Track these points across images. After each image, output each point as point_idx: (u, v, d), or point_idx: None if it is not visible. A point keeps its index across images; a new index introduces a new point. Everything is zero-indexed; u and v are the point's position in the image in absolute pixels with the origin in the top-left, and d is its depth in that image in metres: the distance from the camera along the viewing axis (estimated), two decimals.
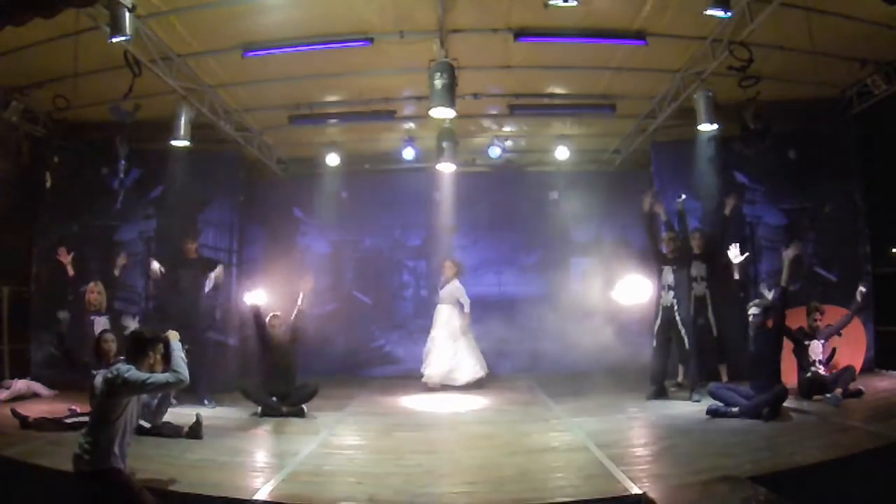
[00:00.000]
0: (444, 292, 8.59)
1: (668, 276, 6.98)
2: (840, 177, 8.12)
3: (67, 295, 6.52)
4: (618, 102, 7.99)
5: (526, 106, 8.18)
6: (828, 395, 6.14)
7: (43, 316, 7.68)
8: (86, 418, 5.43)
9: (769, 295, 6.65)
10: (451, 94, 6.12)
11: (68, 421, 5.47)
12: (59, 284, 6.64)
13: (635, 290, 7.75)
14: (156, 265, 7.04)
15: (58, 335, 5.86)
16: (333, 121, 8.62)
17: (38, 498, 4.15)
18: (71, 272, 6.61)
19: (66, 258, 6.58)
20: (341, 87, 7.80)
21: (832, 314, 6.80)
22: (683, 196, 7.15)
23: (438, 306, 8.59)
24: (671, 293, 6.90)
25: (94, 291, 6.53)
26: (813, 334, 6.56)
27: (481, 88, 7.66)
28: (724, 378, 6.86)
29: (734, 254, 6.46)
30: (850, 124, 8.03)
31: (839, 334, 6.76)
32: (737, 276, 6.44)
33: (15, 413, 5.46)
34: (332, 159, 9.47)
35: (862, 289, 6.74)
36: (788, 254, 6.20)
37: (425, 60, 6.25)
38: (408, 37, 6.28)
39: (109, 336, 5.69)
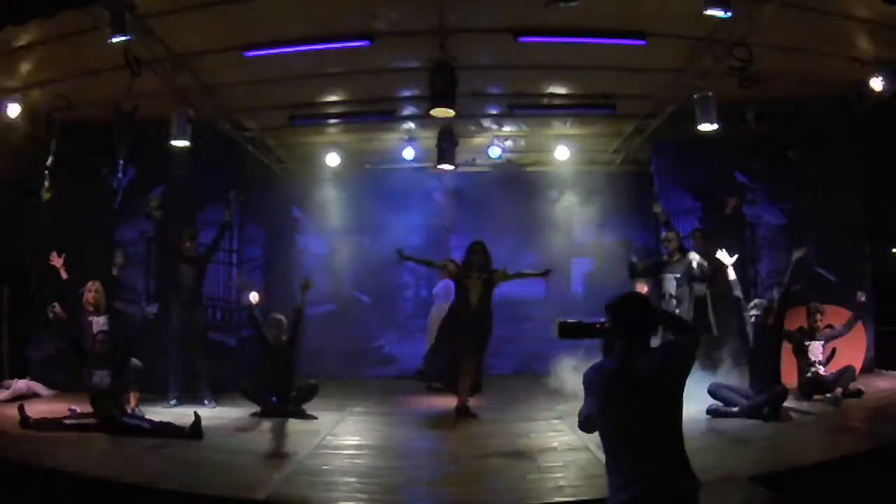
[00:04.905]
0: (438, 290, 8.62)
1: (670, 284, 6.94)
2: (840, 177, 8.11)
3: (67, 295, 6.51)
4: (618, 102, 7.97)
5: (526, 106, 8.18)
6: (828, 395, 6.14)
7: (43, 316, 7.66)
8: (86, 419, 5.47)
9: (776, 294, 6.64)
10: (451, 94, 6.12)
11: (68, 422, 5.47)
12: (59, 285, 6.63)
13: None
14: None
15: (62, 329, 5.83)
16: (333, 121, 8.62)
17: (38, 498, 4.15)
18: (64, 275, 6.57)
19: (58, 262, 6.55)
20: (341, 87, 7.79)
21: (832, 314, 6.80)
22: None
23: (434, 306, 8.60)
24: (672, 302, 6.85)
25: (93, 291, 6.52)
26: (813, 334, 6.56)
27: (481, 88, 7.65)
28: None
29: (725, 257, 6.40)
30: (850, 124, 8.03)
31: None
32: (732, 277, 6.37)
33: (21, 411, 5.45)
34: (332, 159, 9.48)
35: (862, 298, 6.71)
36: (796, 255, 6.20)
37: (425, 60, 6.24)
38: (408, 37, 6.27)
39: (101, 337, 5.67)
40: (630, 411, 2.40)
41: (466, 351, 6.47)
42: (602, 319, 2.61)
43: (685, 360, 2.51)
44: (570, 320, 2.68)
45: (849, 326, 6.66)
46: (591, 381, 2.55)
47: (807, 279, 7.95)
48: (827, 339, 6.59)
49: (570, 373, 7.21)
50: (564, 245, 10.23)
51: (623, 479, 2.38)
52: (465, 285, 6.57)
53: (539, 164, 10.45)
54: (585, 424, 2.62)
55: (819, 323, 6.59)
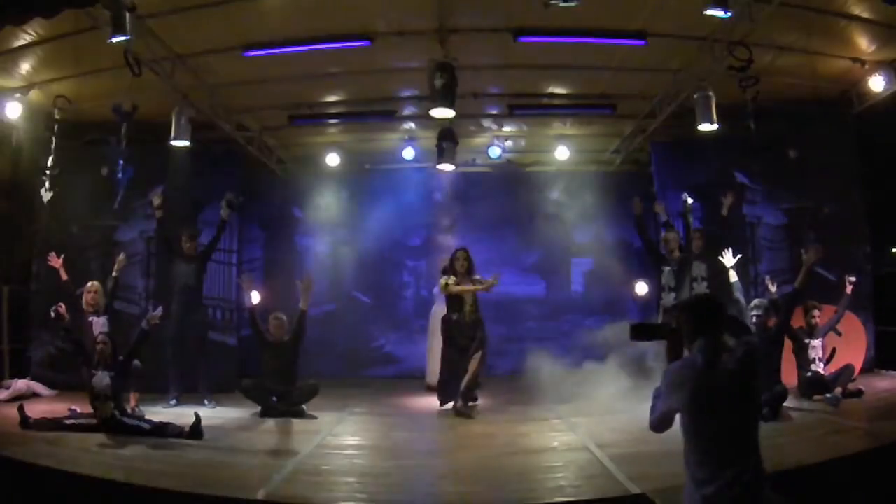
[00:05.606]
0: (438, 291, 8.61)
1: (669, 277, 6.98)
2: (840, 177, 8.10)
3: (66, 296, 6.51)
4: (618, 102, 7.98)
5: (526, 106, 8.18)
6: (828, 395, 6.14)
7: (43, 316, 7.67)
8: (86, 419, 5.47)
9: (773, 289, 6.67)
10: (451, 94, 6.12)
11: (68, 422, 5.47)
12: (59, 285, 6.65)
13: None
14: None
15: (63, 329, 5.84)
16: (333, 121, 8.63)
17: (39, 498, 4.15)
18: (64, 276, 6.61)
19: (57, 262, 6.59)
20: (341, 87, 7.80)
21: (830, 314, 6.79)
22: (689, 199, 7.16)
23: (434, 306, 8.60)
24: (672, 294, 6.90)
25: (92, 292, 6.53)
26: (812, 332, 6.57)
27: (481, 88, 7.66)
28: None
29: (728, 259, 6.47)
30: (850, 124, 8.02)
31: (837, 332, 6.76)
32: (734, 279, 6.43)
33: (21, 411, 5.44)
34: (332, 159, 9.49)
35: (851, 278, 6.73)
36: (810, 257, 6.21)
37: (425, 60, 6.25)
38: (408, 37, 6.28)
39: (103, 338, 5.67)
40: (720, 407, 2.50)
41: (465, 356, 6.60)
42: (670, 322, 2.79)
43: (758, 358, 2.66)
44: (642, 322, 2.87)
45: (841, 309, 6.68)
46: (678, 379, 2.63)
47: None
48: (824, 334, 6.60)
49: (548, 370, 7.25)
50: (564, 245, 10.24)
51: (708, 473, 2.47)
52: (460, 295, 6.68)
53: (539, 164, 10.46)
54: (660, 424, 2.73)
55: (816, 320, 6.60)
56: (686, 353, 2.71)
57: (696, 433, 2.54)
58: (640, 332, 2.86)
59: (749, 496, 2.40)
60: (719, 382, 2.52)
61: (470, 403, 6.63)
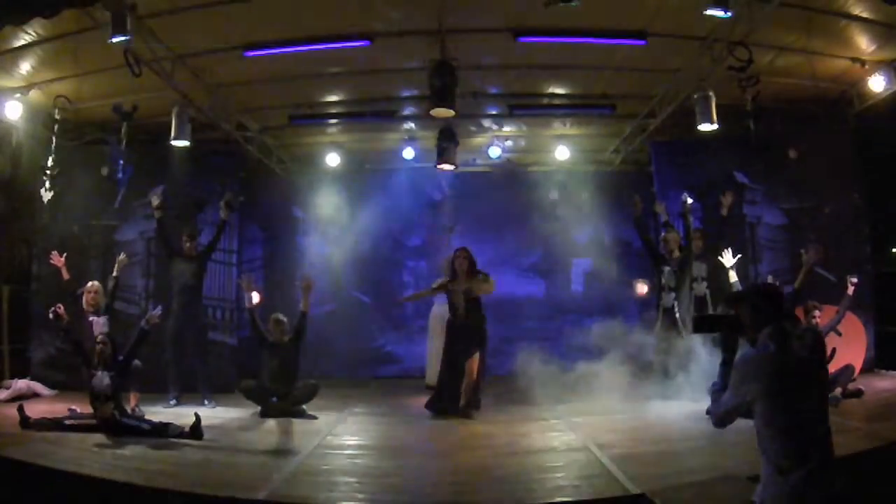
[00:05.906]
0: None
1: (669, 276, 6.98)
2: (840, 177, 8.11)
3: (66, 296, 6.51)
4: (618, 102, 7.98)
5: (526, 106, 8.19)
6: (828, 396, 6.13)
7: (43, 316, 7.67)
8: (86, 419, 5.47)
9: None
10: (451, 94, 6.12)
11: (68, 422, 5.47)
12: (59, 284, 6.66)
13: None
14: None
15: (64, 330, 5.83)
16: (333, 121, 8.63)
17: (39, 498, 4.15)
18: (66, 276, 6.63)
19: (59, 261, 6.60)
20: (341, 87, 7.80)
21: (830, 314, 6.79)
22: (689, 199, 7.17)
23: (434, 306, 8.60)
24: (671, 294, 6.90)
25: (92, 292, 6.53)
26: None
27: (481, 88, 7.66)
28: None
29: (727, 259, 6.48)
30: (849, 124, 8.03)
31: (837, 332, 6.76)
32: (734, 279, 6.45)
33: (21, 412, 5.44)
34: (333, 159, 9.50)
35: (853, 279, 6.73)
36: (810, 257, 6.21)
37: (425, 60, 6.24)
38: (408, 37, 6.28)
39: (102, 338, 5.66)
40: (798, 393, 2.50)
41: (463, 357, 6.58)
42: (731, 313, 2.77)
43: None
44: (705, 314, 2.93)
45: (842, 309, 6.68)
46: (752, 370, 2.59)
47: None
48: (825, 333, 6.60)
49: (547, 370, 7.26)
50: (564, 245, 10.24)
51: (793, 461, 2.44)
52: (454, 298, 6.69)
53: (539, 164, 10.46)
54: (727, 418, 2.70)
55: (817, 321, 6.60)
56: (742, 343, 2.69)
57: (776, 422, 2.50)
58: (704, 323, 2.89)
59: (832, 481, 2.40)
60: (795, 369, 2.50)
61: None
